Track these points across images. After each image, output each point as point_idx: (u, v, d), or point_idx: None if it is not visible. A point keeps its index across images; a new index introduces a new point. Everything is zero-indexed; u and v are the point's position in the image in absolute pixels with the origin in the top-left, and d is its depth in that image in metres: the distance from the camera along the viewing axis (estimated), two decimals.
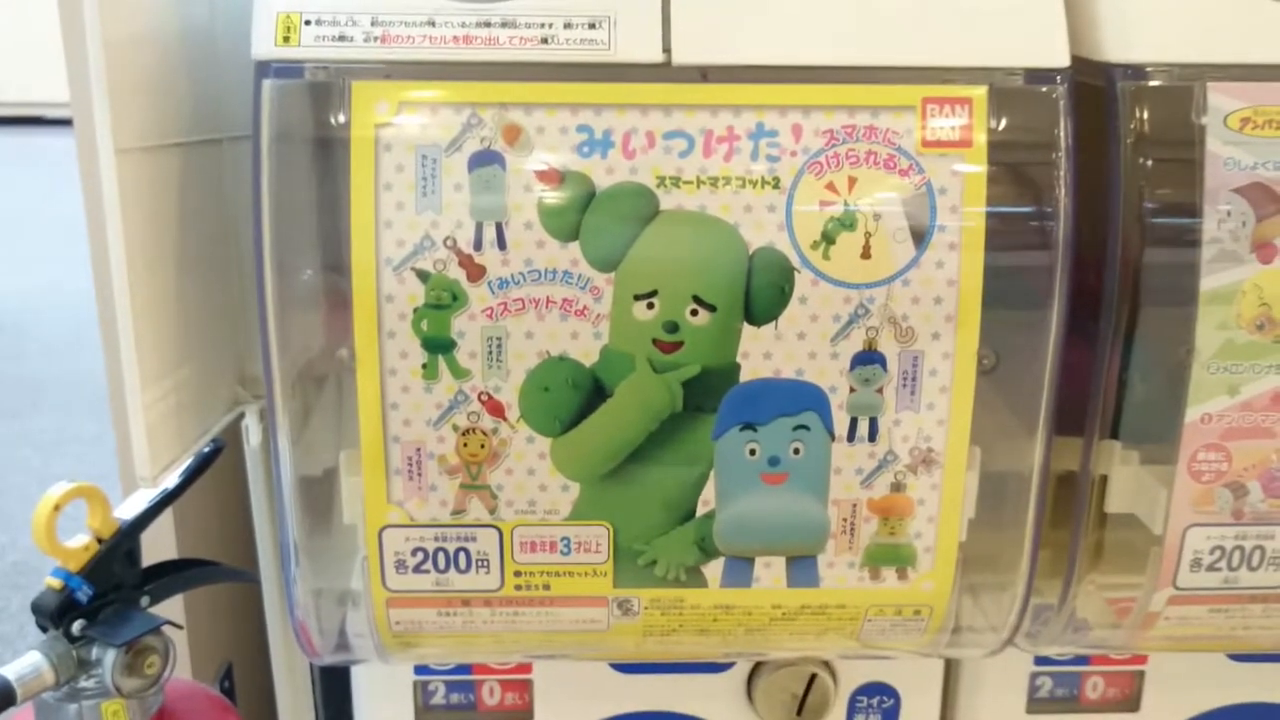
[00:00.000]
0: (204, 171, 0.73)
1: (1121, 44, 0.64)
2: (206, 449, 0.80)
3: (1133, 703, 0.87)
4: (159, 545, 0.89)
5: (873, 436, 0.66)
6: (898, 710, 0.87)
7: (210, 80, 0.72)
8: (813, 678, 0.84)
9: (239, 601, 1.02)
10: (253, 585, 0.90)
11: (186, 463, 0.78)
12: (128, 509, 0.77)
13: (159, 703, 0.79)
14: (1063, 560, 0.72)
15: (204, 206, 0.72)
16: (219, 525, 0.97)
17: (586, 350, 0.64)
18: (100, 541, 0.75)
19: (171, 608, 0.92)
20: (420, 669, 0.84)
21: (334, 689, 0.92)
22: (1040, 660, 0.85)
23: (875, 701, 0.87)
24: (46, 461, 2.30)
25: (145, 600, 0.79)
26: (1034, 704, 0.87)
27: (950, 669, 0.87)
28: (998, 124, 0.63)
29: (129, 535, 0.77)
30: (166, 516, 0.93)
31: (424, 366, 0.64)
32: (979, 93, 0.63)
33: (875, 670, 0.86)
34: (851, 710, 0.86)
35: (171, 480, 0.79)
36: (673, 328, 0.64)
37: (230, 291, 0.78)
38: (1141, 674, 0.86)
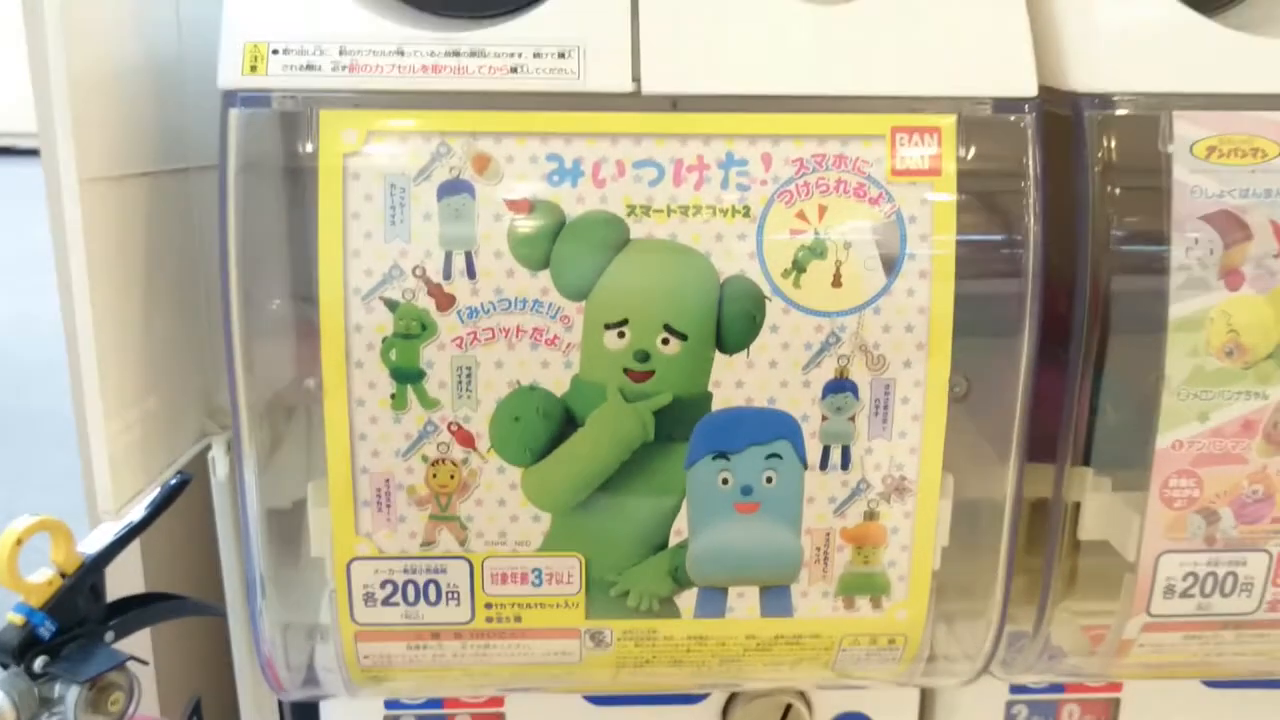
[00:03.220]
0: (171, 201, 0.72)
1: (1088, 73, 0.64)
2: (173, 481, 0.78)
3: None
4: (125, 579, 0.88)
5: (845, 465, 0.65)
6: None
7: (177, 109, 0.71)
8: (788, 708, 0.83)
9: (208, 635, 1.01)
10: (221, 619, 0.89)
11: (152, 495, 0.77)
12: (92, 543, 0.76)
13: None
14: (1036, 587, 0.72)
15: (171, 237, 0.72)
16: (187, 558, 0.96)
17: (557, 379, 0.63)
18: (64, 576, 0.74)
19: (139, 642, 0.90)
20: (391, 703, 0.83)
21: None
22: (1016, 689, 0.85)
23: None
24: (12, 496, 2.27)
25: (110, 636, 0.77)
26: None
27: (926, 698, 0.87)
28: (966, 153, 0.63)
29: (93, 570, 0.75)
30: (133, 550, 0.91)
31: (393, 396, 0.63)
32: (948, 122, 0.63)
33: (850, 700, 0.85)
34: None
35: (137, 513, 0.77)
36: (644, 357, 0.63)
37: (197, 322, 0.77)
38: (1117, 701, 0.86)
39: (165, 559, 0.94)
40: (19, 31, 0.76)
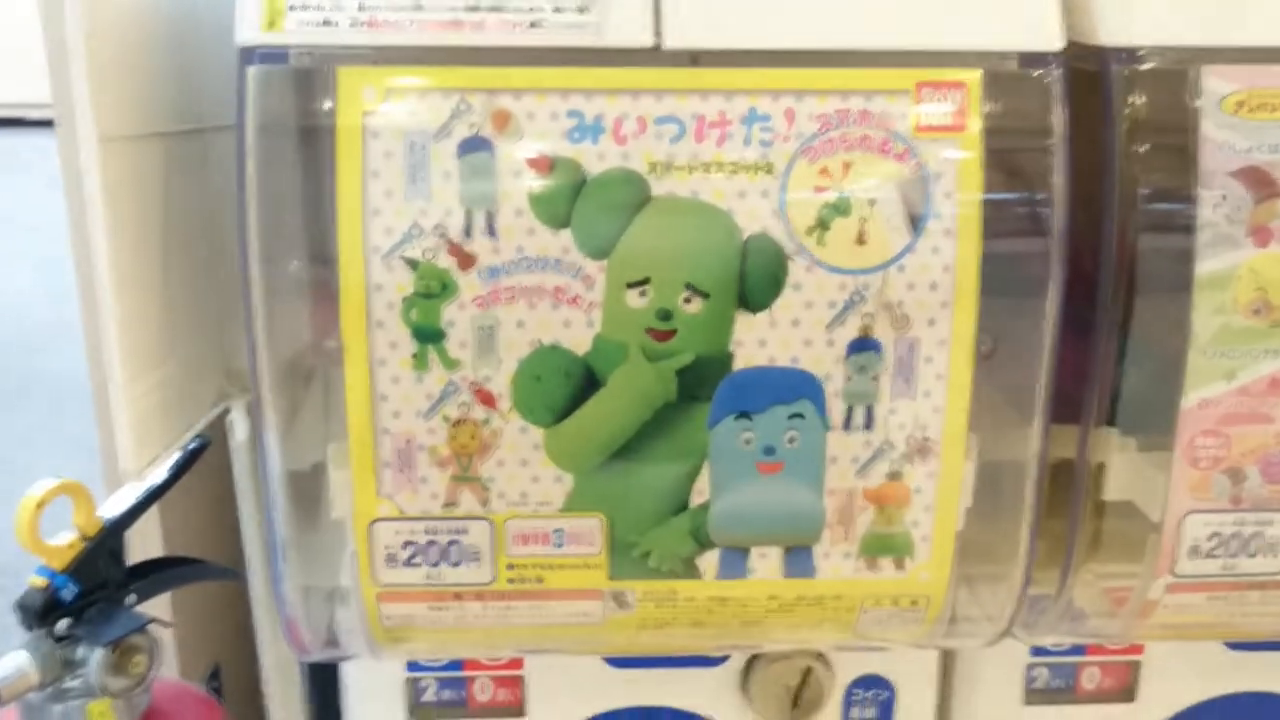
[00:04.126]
0: (187, 162, 0.71)
1: (1116, 27, 0.63)
2: (193, 444, 0.78)
3: (1129, 693, 0.86)
4: (145, 543, 0.88)
5: (869, 425, 0.65)
6: (893, 703, 0.86)
7: (193, 68, 0.71)
8: (808, 671, 0.83)
9: (227, 600, 1.01)
10: (240, 583, 0.89)
11: (172, 458, 0.77)
12: (112, 506, 0.76)
13: (146, 702, 0.77)
14: (1059, 549, 0.71)
15: (187, 198, 0.71)
16: (205, 522, 0.96)
17: (579, 339, 0.63)
18: (85, 539, 0.74)
19: (159, 606, 0.90)
20: (412, 665, 0.83)
21: (323, 687, 0.90)
22: (1036, 651, 0.85)
23: (871, 694, 0.86)
24: (30, 459, 2.28)
25: (131, 598, 0.78)
26: (1030, 695, 0.86)
27: (946, 661, 0.87)
28: (992, 108, 0.62)
29: (114, 533, 0.75)
30: (152, 513, 0.92)
31: (414, 356, 0.63)
32: (973, 77, 0.62)
33: (871, 663, 0.85)
34: (847, 703, 0.86)
35: (158, 476, 0.78)
36: (666, 315, 0.63)
37: (215, 285, 0.76)
38: (1138, 664, 0.86)
39: (183, 523, 0.94)
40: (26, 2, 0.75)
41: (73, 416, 2.39)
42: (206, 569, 0.87)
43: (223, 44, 0.64)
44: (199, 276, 0.73)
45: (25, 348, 2.89)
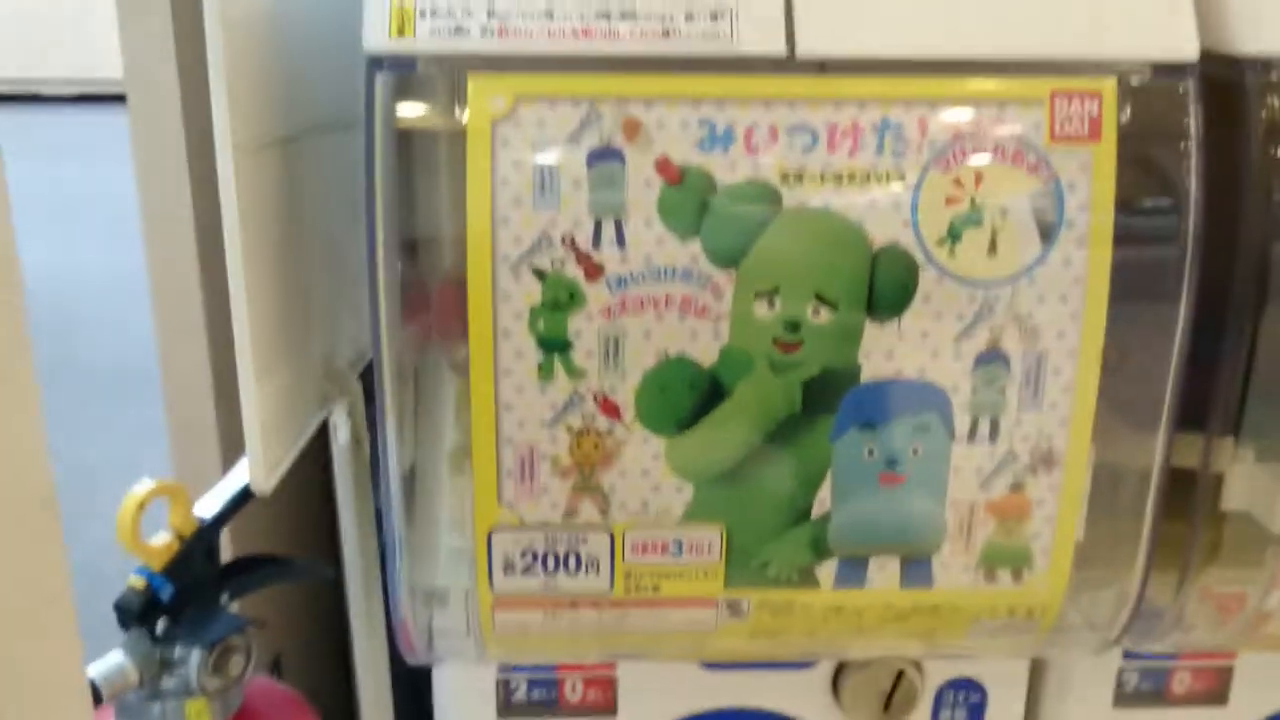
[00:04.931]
0: (295, 165, 0.71)
1: (1252, 36, 0.62)
2: None
3: (1221, 696, 0.86)
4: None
5: (993, 437, 0.65)
6: (984, 705, 0.86)
7: (303, 68, 0.70)
8: (900, 674, 0.83)
9: (287, 593, 1.01)
10: (329, 582, 0.89)
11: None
12: (207, 506, 0.76)
13: (239, 701, 0.78)
14: (1166, 556, 0.71)
15: (297, 199, 0.71)
16: (272, 518, 0.96)
17: (706, 349, 0.62)
18: (181, 539, 0.74)
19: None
20: (502, 666, 0.83)
21: (412, 688, 0.91)
22: (1128, 655, 0.85)
23: (961, 697, 0.86)
24: (73, 449, 2.27)
25: (224, 598, 0.78)
26: (1121, 698, 0.86)
27: (1036, 664, 0.86)
28: (1126, 118, 0.62)
29: (209, 533, 0.75)
30: None
31: (539, 367, 0.62)
32: (1109, 85, 0.61)
33: (962, 666, 0.85)
34: (938, 706, 0.86)
35: (244, 478, 0.78)
36: (794, 326, 0.62)
37: (316, 287, 0.76)
38: (1230, 668, 0.85)
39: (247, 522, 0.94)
40: None
41: (93, 401, 2.39)
42: (299, 567, 0.87)
43: (331, 43, 0.63)
44: (304, 279, 0.73)
45: (56, 333, 2.88)
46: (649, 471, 0.64)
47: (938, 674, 0.85)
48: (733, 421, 0.63)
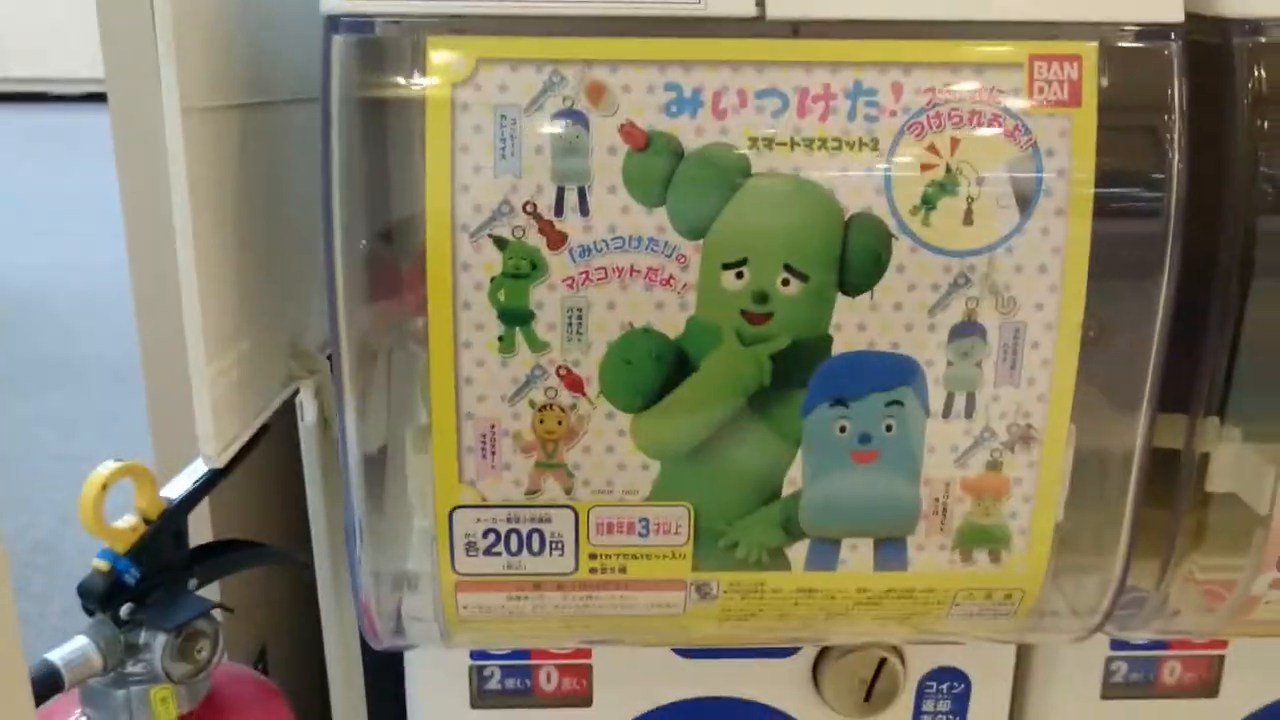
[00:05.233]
0: (258, 136, 0.69)
1: None
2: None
3: (1211, 688, 0.84)
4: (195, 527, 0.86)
5: (969, 413, 0.63)
6: (968, 696, 0.84)
7: (271, 39, 0.68)
8: (882, 663, 0.81)
9: (273, 581, 1.00)
10: (300, 568, 0.87)
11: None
12: (175, 489, 0.74)
13: (206, 688, 0.76)
14: (1151, 542, 0.69)
15: (260, 172, 0.69)
16: (251, 505, 0.94)
17: (671, 321, 0.60)
18: (147, 522, 0.72)
19: (207, 589, 0.89)
20: (476, 654, 0.82)
21: (385, 675, 0.89)
22: (1116, 645, 0.83)
23: (945, 687, 0.84)
24: (63, 442, 2.27)
25: (193, 583, 0.76)
26: (1109, 689, 0.84)
27: (1022, 654, 0.84)
28: (1108, 83, 0.60)
29: (177, 516, 0.74)
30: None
31: (500, 339, 0.60)
32: (1089, 49, 0.59)
33: (946, 655, 0.83)
34: (920, 696, 0.84)
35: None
36: (762, 298, 0.60)
37: (284, 263, 0.74)
38: (1221, 659, 0.83)
39: (231, 506, 0.92)
40: None
41: (108, 397, 2.39)
42: (270, 553, 0.85)
43: (302, 14, 0.62)
44: (269, 254, 0.71)
45: (58, 324, 2.88)
46: (614, 448, 0.63)
47: (920, 663, 0.83)
48: (700, 396, 0.62)
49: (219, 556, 0.79)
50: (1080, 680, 0.84)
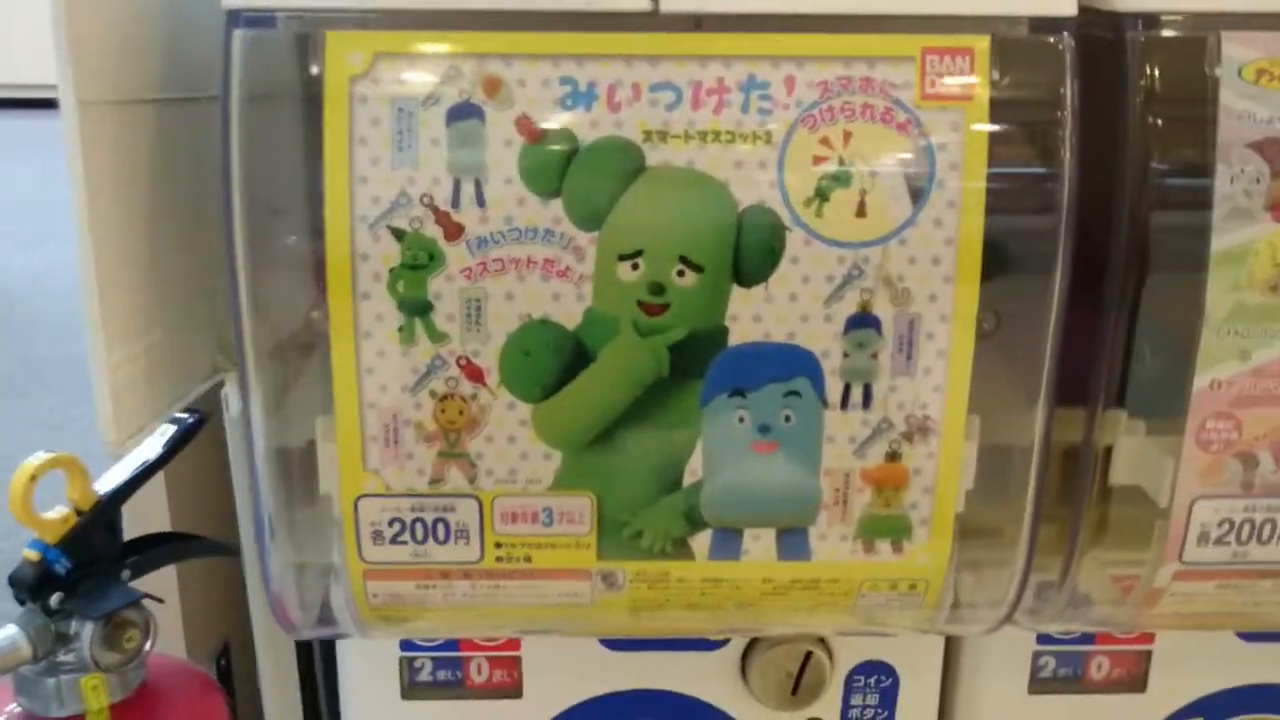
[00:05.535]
0: (178, 131, 0.70)
1: None
2: (190, 419, 0.77)
3: (1139, 683, 0.84)
4: (150, 519, 0.87)
5: (867, 403, 0.63)
6: (896, 690, 0.84)
7: (186, 34, 0.69)
8: (808, 656, 0.82)
9: (235, 578, 1.00)
10: (237, 560, 0.88)
11: (167, 432, 0.76)
12: (107, 481, 0.75)
13: (140, 678, 0.77)
14: (1064, 535, 0.69)
15: (179, 168, 0.70)
16: (210, 498, 0.95)
17: (569, 312, 0.61)
18: (80, 513, 0.73)
19: (166, 586, 0.90)
20: (406, 645, 0.82)
21: (320, 666, 0.90)
22: (1043, 639, 0.83)
23: (873, 681, 0.84)
24: (51, 442, 2.28)
25: (126, 574, 0.77)
26: (1036, 684, 0.84)
27: (950, 648, 0.85)
28: (1000, 77, 0.60)
29: (109, 507, 0.75)
30: (158, 490, 0.91)
31: (400, 329, 0.61)
32: (981, 43, 0.60)
33: (873, 648, 0.84)
34: (848, 690, 0.84)
35: (153, 451, 0.77)
36: (658, 289, 0.61)
37: (209, 256, 0.75)
38: (1148, 654, 0.83)
39: (189, 499, 0.93)
40: None
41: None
42: (203, 545, 0.86)
43: (215, 9, 0.62)
44: (191, 247, 0.72)
45: (49, 327, 2.90)
46: (516, 438, 0.63)
47: (848, 656, 0.83)
48: (598, 386, 0.62)
49: (152, 548, 0.80)
50: (1008, 674, 0.84)
